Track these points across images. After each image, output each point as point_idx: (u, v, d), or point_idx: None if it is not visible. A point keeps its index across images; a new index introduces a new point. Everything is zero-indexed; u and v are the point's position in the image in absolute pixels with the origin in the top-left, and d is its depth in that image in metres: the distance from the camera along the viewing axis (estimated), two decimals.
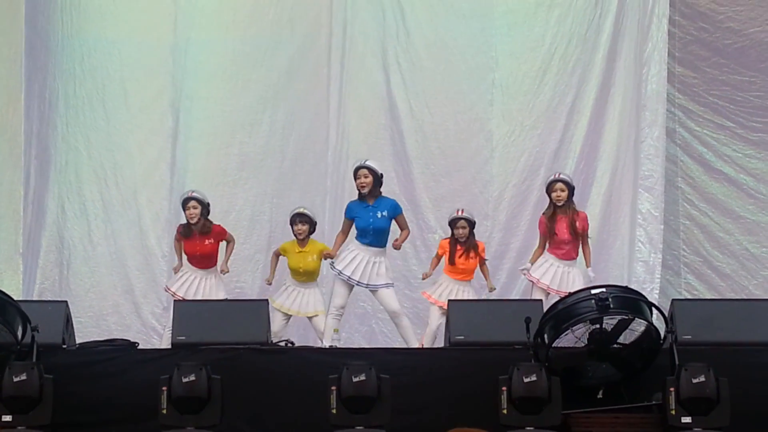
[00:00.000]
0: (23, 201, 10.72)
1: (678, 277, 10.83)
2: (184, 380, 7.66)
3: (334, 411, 7.66)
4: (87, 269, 10.80)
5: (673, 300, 8.89)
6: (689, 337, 8.14)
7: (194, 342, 8.25)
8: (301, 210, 9.49)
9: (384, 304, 9.28)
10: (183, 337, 8.30)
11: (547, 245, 9.39)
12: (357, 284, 9.20)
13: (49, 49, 11.03)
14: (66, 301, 8.78)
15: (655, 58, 10.88)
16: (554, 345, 7.90)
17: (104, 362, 8.24)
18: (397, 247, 9.42)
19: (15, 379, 7.65)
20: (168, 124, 10.98)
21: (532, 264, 9.42)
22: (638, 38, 10.94)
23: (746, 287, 10.71)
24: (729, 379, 7.64)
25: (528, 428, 7.64)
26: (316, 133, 11.03)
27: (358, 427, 7.62)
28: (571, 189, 9.38)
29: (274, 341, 8.70)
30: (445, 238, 9.58)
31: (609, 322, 7.91)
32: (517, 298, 10.36)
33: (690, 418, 7.58)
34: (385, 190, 9.55)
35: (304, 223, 9.42)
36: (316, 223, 9.58)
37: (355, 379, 7.64)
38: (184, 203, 9.51)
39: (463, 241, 9.37)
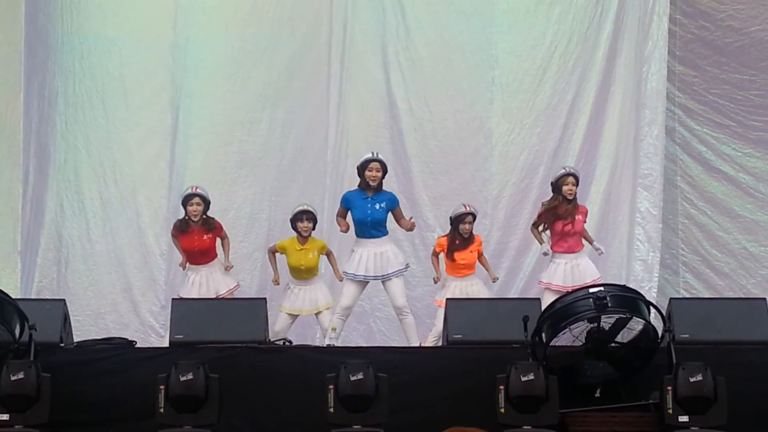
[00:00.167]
0: (22, 199, 10.72)
1: (677, 276, 10.83)
2: (182, 379, 7.65)
3: (331, 410, 7.65)
4: (85, 267, 10.81)
5: (670, 299, 8.89)
6: (687, 335, 8.14)
7: (192, 341, 8.24)
8: (306, 207, 9.47)
9: (392, 297, 9.24)
10: (181, 336, 8.30)
11: (551, 241, 9.34)
12: (373, 278, 9.17)
13: (48, 46, 11.03)
14: (64, 300, 8.78)
15: (656, 57, 10.88)
16: (552, 344, 7.89)
17: (102, 361, 8.23)
18: (411, 227, 9.34)
19: (12, 378, 7.64)
20: (167, 122, 10.98)
21: (545, 243, 9.34)
22: (638, 37, 10.93)
23: (745, 286, 10.70)
24: (726, 377, 7.64)
25: (525, 427, 7.63)
26: (316, 132, 11.03)
27: (355, 426, 7.62)
28: (578, 183, 9.37)
29: (272, 340, 8.70)
30: (442, 236, 9.56)
31: (607, 321, 7.90)
32: (515, 296, 10.35)
33: (687, 416, 7.58)
34: (384, 188, 9.54)
35: (309, 220, 9.41)
36: (317, 220, 9.57)
37: (352, 378, 7.64)
38: (187, 199, 9.45)
39: (467, 236, 9.35)
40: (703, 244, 10.87)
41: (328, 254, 9.47)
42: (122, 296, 10.73)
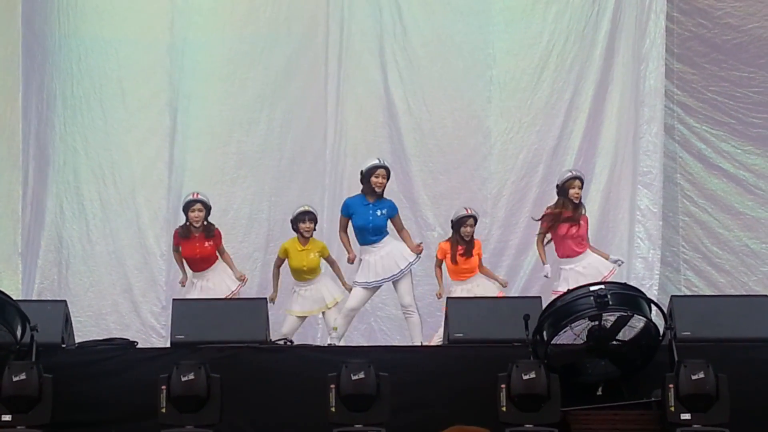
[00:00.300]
0: (22, 201, 10.72)
1: (677, 274, 10.83)
2: (183, 379, 7.65)
3: (333, 409, 7.65)
4: (86, 268, 10.80)
5: (672, 296, 8.87)
6: (688, 333, 8.13)
7: (193, 341, 8.23)
8: (308, 208, 9.47)
9: (400, 295, 9.24)
10: (182, 336, 8.29)
11: (555, 246, 9.31)
12: (390, 279, 9.16)
13: (46, 49, 11.02)
14: (65, 301, 8.77)
15: (653, 55, 10.88)
16: (553, 342, 7.88)
17: (103, 361, 8.23)
18: (419, 250, 9.34)
19: (14, 379, 7.63)
20: (165, 123, 10.98)
21: (548, 266, 9.34)
22: (636, 35, 10.94)
23: (746, 283, 10.70)
24: (728, 375, 7.63)
25: (527, 425, 7.63)
26: (314, 132, 11.03)
27: (357, 425, 7.61)
28: (583, 185, 9.36)
29: (273, 340, 8.69)
30: (444, 241, 9.55)
31: (608, 319, 7.90)
32: (516, 295, 10.35)
33: (689, 414, 7.57)
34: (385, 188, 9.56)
35: (311, 221, 9.41)
36: (317, 221, 9.57)
37: (354, 377, 7.63)
38: (189, 205, 9.42)
39: (468, 240, 9.35)
40: (704, 242, 10.87)
41: (331, 262, 9.45)
42: (123, 297, 10.72)
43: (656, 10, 10.92)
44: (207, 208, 9.44)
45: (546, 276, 9.45)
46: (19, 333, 7.97)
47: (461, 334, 8.35)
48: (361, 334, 10.49)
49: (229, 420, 7.87)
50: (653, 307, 8.06)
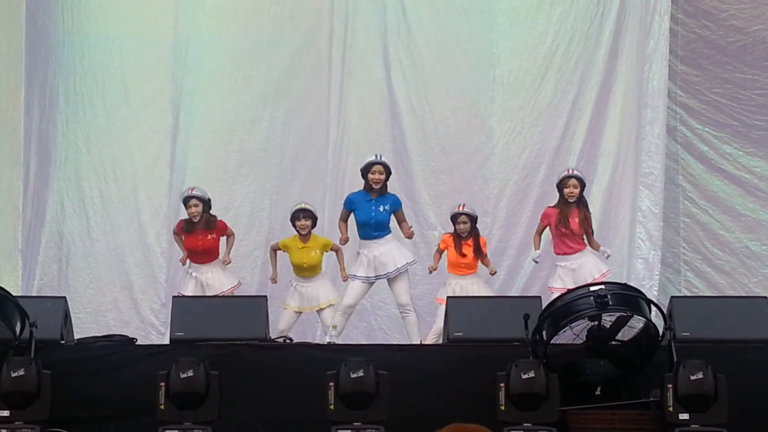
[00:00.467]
0: (23, 197, 10.73)
1: (678, 275, 10.81)
2: (182, 376, 7.65)
3: (332, 407, 7.65)
4: (86, 265, 10.81)
5: (671, 297, 8.86)
6: (687, 334, 8.13)
7: (192, 338, 8.24)
8: (304, 206, 9.50)
9: (396, 294, 9.26)
10: (181, 333, 8.30)
11: (553, 242, 9.33)
12: (384, 277, 9.17)
13: (49, 45, 11.03)
14: (65, 297, 8.78)
15: (657, 56, 10.87)
16: (553, 342, 7.88)
17: (102, 358, 8.23)
18: (409, 235, 9.36)
19: (13, 375, 7.64)
20: (168, 120, 10.98)
21: (538, 251, 9.38)
22: (640, 36, 10.92)
23: (746, 285, 10.68)
24: (727, 376, 7.62)
25: (526, 425, 7.62)
26: (317, 130, 11.03)
27: (356, 423, 7.61)
28: (582, 185, 9.35)
29: (272, 337, 8.70)
30: (447, 233, 9.58)
31: (607, 319, 7.90)
32: (516, 294, 10.34)
33: (688, 415, 7.56)
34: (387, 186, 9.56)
35: (307, 218, 9.43)
36: (317, 218, 9.58)
37: (353, 376, 7.63)
38: (185, 201, 9.52)
39: (465, 236, 9.37)
40: (705, 243, 10.85)
41: (336, 250, 9.47)
42: (123, 294, 10.73)
43: (660, 12, 10.90)
44: (203, 202, 9.47)
45: (534, 260, 9.44)
46: (18, 329, 7.97)
47: (461, 333, 8.35)
48: (360, 332, 10.49)
49: (228, 417, 7.87)
50: (653, 308, 8.06)
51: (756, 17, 11.06)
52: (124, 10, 11.12)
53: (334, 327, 9.18)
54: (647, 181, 10.69)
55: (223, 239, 9.60)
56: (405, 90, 11.06)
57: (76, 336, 8.84)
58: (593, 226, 9.51)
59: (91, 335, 9.12)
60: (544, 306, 8.24)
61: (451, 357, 8.20)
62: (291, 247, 9.45)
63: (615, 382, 7.96)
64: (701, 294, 10.54)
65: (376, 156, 9.38)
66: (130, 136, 11.01)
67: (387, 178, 9.34)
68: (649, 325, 7.92)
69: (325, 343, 9.01)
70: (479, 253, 9.38)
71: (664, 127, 10.83)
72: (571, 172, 9.43)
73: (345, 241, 9.36)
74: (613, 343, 7.96)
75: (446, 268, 9.45)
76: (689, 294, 10.56)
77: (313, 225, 9.50)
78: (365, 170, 9.30)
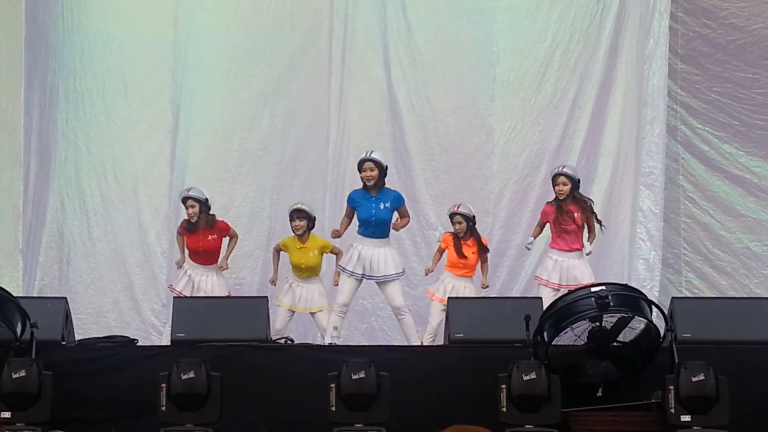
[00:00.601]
0: (23, 197, 10.70)
1: (679, 276, 10.80)
2: (184, 377, 7.65)
3: (333, 408, 7.65)
4: (87, 266, 10.79)
5: (672, 298, 8.87)
6: (689, 335, 8.12)
7: (193, 339, 8.23)
8: (299, 206, 9.49)
9: (389, 298, 9.25)
10: (182, 334, 8.29)
11: (551, 237, 9.35)
12: (367, 278, 9.17)
13: (49, 44, 11.01)
14: (65, 298, 8.77)
15: (657, 55, 10.85)
16: (554, 343, 7.88)
17: (103, 359, 8.22)
18: (396, 228, 9.36)
19: (14, 376, 7.64)
20: (168, 119, 10.95)
21: (534, 238, 9.39)
22: (640, 34, 10.91)
23: (747, 286, 10.66)
24: (728, 377, 7.63)
25: (527, 426, 7.63)
26: (317, 129, 11.00)
27: (357, 425, 7.62)
28: (574, 182, 9.35)
29: (273, 338, 8.69)
30: (449, 233, 9.58)
31: (609, 320, 7.89)
32: (517, 295, 10.33)
33: (689, 416, 7.57)
34: (387, 184, 9.54)
35: (301, 219, 9.42)
36: (314, 218, 9.56)
37: (354, 377, 7.64)
38: (183, 202, 9.55)
39: (461, 236, 9.37)
40: (706, 244, 10.84)
41: (336, 254, 9.45)
42: (124, 294, 10.71)
43: (660, 10, 10.88)
44: (200, 202, 9.47)
45: (526, 246, 9.49)
46: (19, 330, 7.96)
47: (462, 335, 8.34)
48: (361, 333, 10.48)
49: (229, 418, 7.86)
50: (654, 309, 8.06)
51: (756, 15, 11.04)
52: (124, 8, 11.09)
53: (336, 328, 9.17)
54: (648, 181, 10.68)
55: (225, 240, 9.59)
56: (405, 89, 11.04)
57: (77, 337, 8.84)
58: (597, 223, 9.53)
59: (92, 336, 9.13)
60: (545, 307, 8.24)
61: (453, 358, 8.20)
62: (290, 247, 9.45)
63: (616, 384, 7.96)
64: (702, 295, 10.52)
65: (367, 153, 9.36)
66: (130, 134, 10.98)
67: (382, 174, 9.28)
68: (651, 326, 7.92)
69: (326, 344, 9.00)
70: (483, 252, 9.36)
71: (665, 127, 10.81)
72: (560, 169, 9.45)
73: (336, 234, 9.30)
74: (615, 344, 7.96)
75: (444, 266, 9.43)
76: (690, 295, 10.53)
77: (310, 226, 9.48)
78: (358, 168, 9.30)
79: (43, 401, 7.67)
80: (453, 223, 9.42)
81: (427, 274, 9.50)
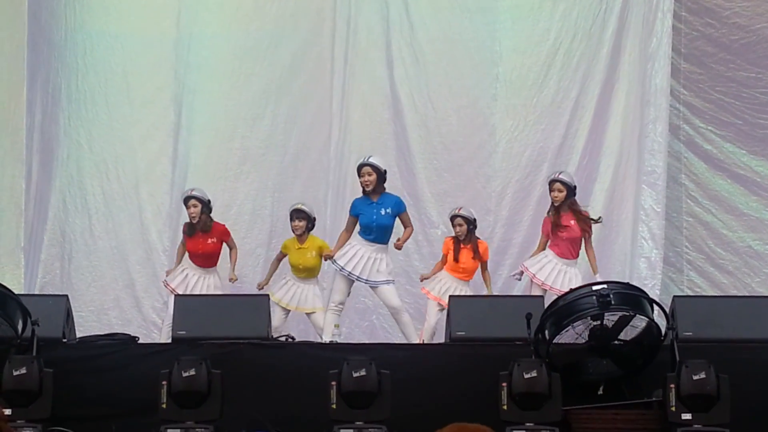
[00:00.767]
0: (25, 195, 10.70)
1: (681, 274, 10.78)
2: (184, 375, 7.65)
3: (334, 406, 7.65)
4: (88, 263, 10.79)
5: (674, 296, 8.86)
6: (690, 333, 8.11)
7: (194, 336, 8.24)
8: (299, 206, 9.50)
9: (384, 300, 9.27)
10: (183, 332, 8.29)
11: (551, 244, 9.35)
12: (357, 279, 9.18)
13: (52, 43, 11.01)
14: (66, 295, 8.78)
15: (660, 54, 10.83)
16: (555, 341, 7.88)
17: (104, 356, 8.23)
18: (398, 247, 9.37)
19: (15, 373, 7.65)
20: (170, 118, 10.96)
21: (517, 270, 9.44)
22: (643, 33, 10.90)
23: (749, 285, 10.64)
24: (730, 376, 7.62)
25: (528, 424, 7.62)
26: (319, 128, 11.00)
27: (358, 422, 7.62)
28: (569, 189, 9.33)
29: (274, 336, 8.69)
30: (450, 237, 9.57)
31: (610, 319, 7.89)
32: (518, 294, 10.32)
33: (690, 414, 7.56)
34: (387, 185, 9.51)
35: (301, 219, 9.42)
36: (314, 219, 9.57)
37: (355, 374, 7.64)
38: (185, 201, 9.55)
39: (462, 239, 9.36)
40: (708, 242, 10.82)
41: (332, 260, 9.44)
42: (125, 292, 10.72)
43: (663, 9, 10.87)
44: (202, 203, 9.48)
45: (517, 277, 9.46)
46: (20, 327, 7.97)
47: (463, 333, 8.34)
48: (362, 331, 10.48)
49: (230, 416, 7.86)
50: (655, 307, 8.05)
51: (759, 15, 11.02)
52: (126, 7, 11.10)
53: (336, 326, 9.17)
54: (650, 180, 10.66)
55: (226, 250, 9.58)
56: (407, 88, 11.04)
57: (78, 334, 8.85)
58: (595, 225, 9.51)
59: (93, 333, 9.13)
60: (546, 305, 8.23)
61: (454, 356, 8.20)
62: (290, 248, 9.48)
63: (617, 382, 7.95)
64: (704, 293, 10.50)
65: (365, 158, 9.36)
66: (133, 133, 10.99)
67: (380, 179, 9.27)
68: (652, 325, 7.91)
69: (327, 342, 9.00)
70: (477, 255, 9.34)
71: (667, 125, 10.80)
72: (556, 176, 9.43)
73: (329, 258, 9.25)
74: (616, 342, 7.95)
75: (444, 268, 9.43)
76: (692, 293, 10.51)
77: (310, 226, 9.48)
78: (357, 173, 9.30)
79: (44, 398, 7.68)
80: (453, 225, 9.41)
81: (421, 281, 9.47)
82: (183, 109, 10.98)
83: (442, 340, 8.85)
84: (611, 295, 7.83)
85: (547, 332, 7.91)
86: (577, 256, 9.33)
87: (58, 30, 11.05)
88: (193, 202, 9.46)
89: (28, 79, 10.80)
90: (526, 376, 7.62)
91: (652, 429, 7.74)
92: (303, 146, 11.00)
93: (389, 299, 9.20)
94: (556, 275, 9.19)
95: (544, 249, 9.38)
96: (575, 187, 9.43)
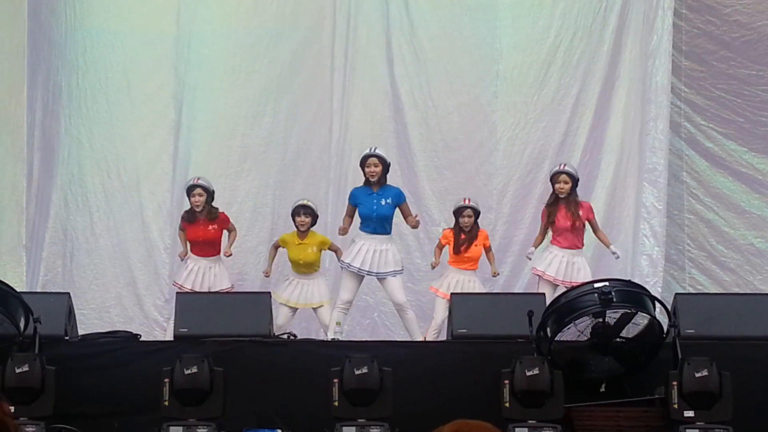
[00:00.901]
0: (26, 193, 10.69)
1: (683, 272, 10.78)
2: (186, 372, 7.65)
3: (336, 403, 7.65)
4: (90, 261, 10.78)
5: (676, 294, 8.86)
6: (692, 331, 8.12)
7: (196, 334, 8.23)
8: (305, 202, 9.50)
9: (390, 294, 9.26)
10: (185, 330, 8.29)
11: (551, 236, 9.37)
12: (367, 274, 9.18)
13: (52, 40, 11.00)
14: (68, 293, 8.77)
15: (661, 51, 10.82)
16: (557, 338, 7.88)
17: (106, 354, 8.23)
18: (415, 225, 9.33)
19: (17, 371, 7.65)
20: (170, 115, 10.94)
21: (534, 248, 9.40)
22: (643, 31, 10.89)
23: (751, 282, 10.63)
24: (731, 373, 7.62)
25: (530, 422, 7.63)
26: (319, 125, 10.99)
27: (360, 420, 7.63)
28: (574, 181, 9.37)
29: (276, 334, 8.68)
30: (448, 228, 9.57)
31: (612, 316, 7.89)
32: (520, 291, 10.32)
33: (692, 412, 7.57)
34: (389, 182, 9.53)
35: (307, 215, 9.42)
36: (318, 216, 9.57)
37: (357, 372, 7.64)
38: (190, 190, 9.53)
39: (467, 230, 9.36)
40: (709, 240, 10.81)
41: (335, 251, 9.45)
42: (126, 290, 10.70)
43: (664, 7, 10.86)
44: (208, 192, 9.49)
45: (528, 256, 9.46)
46: (22, 325, 7.97)
47: (465, 330, 8.34)
48: (364, 329, 10.46)
49: (232, 414, 7.86)
50: (657, 305, 8.04)
51: (761, 12, 11.01)
52: (126, 5, 11.08)
53: (338, 324, 9.16)
54: (651, 178, 10.66)
55: (224, 234, 9.59)
56: (408, 85, 11.03)
57: (80, 332, 8.83)
58: (598, 223, 9.52)
59: (94, 331, 9.12)
60: (548, 302, 8.23)
61: (455, 354, 8.20)
62: (289, 243, 9.45)
63: (619, 379, 7.95)
64: (706, 291, 10.48)
65: (371, 149, 9.38)
66: (133, 131, 10.97)
67: (385, 171, 9.33)
68: (654, 322, 7.91)
69: (329, 339, 8.99)
70: (472, 239, 9.33)
71: (668, 123, 10.79)
72: (562, 167, 9.45)
73: (343, 231, 9.33)
74: (618, 340, 7.95)
75: (447, 261, 9.43)
76: (694, 291, 10.50)
77: (313, 223, 9.48)
78: (361, 164, 9.33)
79: (46, 396, 7.68)
80: (462, 217, 9.39)
81: (433, 268, 9.49)
82: (183, 106, 10.96)
83: (446, 338, 8.85)
84: (613, 293, 7.83)
85: (549, 330, 7.91)
86: (583, 244, 9.33)
87: (58, 28, 11.04)
88: (198, 191, 9.47)
89: (28, 77, 10.79)
90: (528, 373, 7.62)
91: (654, 426, 7.74)
92: (304, 144, 11.00)
93: (395, 294, 9.19)
94: (565, 268, 9.18)
95: (543, 235, 9.37)
96: (578, 179, 9.46)
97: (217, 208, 9.55)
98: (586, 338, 7.93)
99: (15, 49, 10.82)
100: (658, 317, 7.98)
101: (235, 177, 10.88)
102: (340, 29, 11.03)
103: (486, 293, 9.22)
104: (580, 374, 7.95)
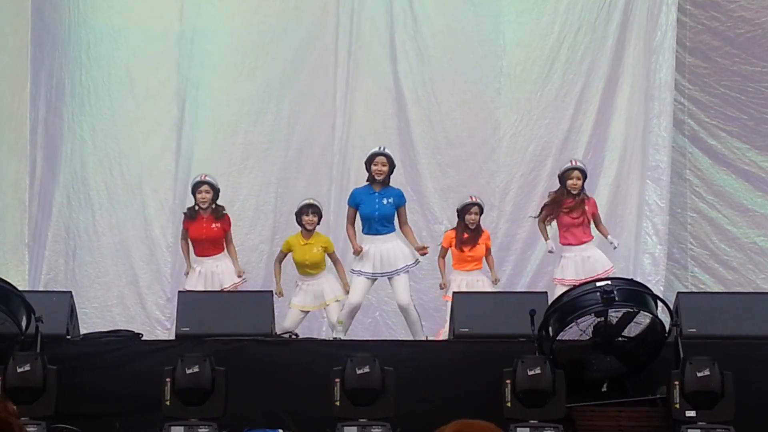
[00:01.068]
0: (29, 191, 10.71)
1: (685, 271, 10.76)
2: (188, 372, 7.65)
3: (338, 403, 7.64)
4: (92, 260, 10.78)
5: (678, 293, 8.83)
6: (694, 330, 8.10)
7: (198, 333, 8.23)
8: (312, 201, 9.46)
9: (396, 293, 9.21)
10: (187, 329, 8.29)
11: (559, 234, 9.33)
12: (380, 276, 9.13)
13: (55, 37, 11.00)
14: (70, 292, 8.77)
15: (665, 48, 10.80)
16: (559, 338, 7.87)
17: (108, 353, 8.23)
18: (423, 253, 9.28)
19: (19, 370, 7.65)
20: (173, 113, 10.94)
21: (549, 240, 9.36)
22: (647, 27, 10.86)
23: (754, 281, 10.62)
24: (734, 372, 7.60)
25: (532, 421, 7.61)
26: (322, 123, 10.99)
27: (362, 420, 7.62)
28: (585, 177, 9.35)
29: (278, 333, 8.68)
30: (450, 230, 9.54)
31: (614, 315, 7.88)
32: (522, 290, 10.31)
33: (694, 411, 7.55)
34: (391, 180, 9.49)
35: (314, 214, 9.39)
36: (322, 215, 9.55)
37: (359, 372, 7.63)
38: (196, 186, 9.45)
39: (473, 228, 9.33)
40: (712, 239, 10.79)
41: (335, 260, 9.41)
42: (128, 289, 10.71)
43: (668, 2, 10.84)
44: (214, 189, 9.45)
45: (550, 251, 9.43)
46: (24, 324, 7.97)
47: (467, 329, 8.33)
48: (366, 328, 10.45)
49: (234, 413, 7.86)
50: (659, 304, 8.03)
51: (765, 8, 10.97)
52: (129, 1, 11.09)
53: (340, 322, 9.14)
54: (654, 175, 10.64)
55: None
56: (411, 82, 11.02)
57: (82, 331, 8.83)
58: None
59: (96, 330, 9.11)
60: (550, 301, 8.22)
61: (457, 353, 8.19)
62: (294, 245, 9.41)
63: (621, 379, 7.94)
64: (708, 290, 10.46)
65: (380, 147, 9.34)
66: (136, 128, 10.98)
67: (391, 171, 9.28)
68: (656, 321, 7.90)
69: (331, 338, 8.98)
70: (477, 236, 9.31)
71: (671, 120, 10.77)
72: (574, 163, 9.43)
73: (358, 252, 9.13)
74: (620, 339, 7.94)
75: (452, 265, 9.40)
76: (696, 290, 10.48)
77: (319, 221, 9.46)
78: (368, 162, 9.27)
79: (48, 395, 7.68)
80: (469, 214, 9.34)
81: (442, 289, 9.40)
82: (186, 103, 10.96)
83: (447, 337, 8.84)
84: (615, 292, 7.82)
85: (550, 329, 7.90)
86: (591, 236, 9.30)
87: (61, 25, 11.04)
88: (205, 188, 9.42)
89: (31, 74, 10.79)
90: (530, 373, 7.61)
91: (656, 426, 7.73)
92: (306, 141, 10.99)
93: (400, 294, 9.13)
94: (582, 266, 9.14)
95: (546, 231, 9.35)
96: (587, 175, 9.44)
97: (223, 207, 9.50)
98: (588, 337, 7.92)
99: (18, 45, 10.82)
100: (660, 316, 7.96)
101: (238, 174, 10.88)
102: (343, 26, 11.02)
103: (488, 292, 9.20)
104: (581, 374, 7.94)
